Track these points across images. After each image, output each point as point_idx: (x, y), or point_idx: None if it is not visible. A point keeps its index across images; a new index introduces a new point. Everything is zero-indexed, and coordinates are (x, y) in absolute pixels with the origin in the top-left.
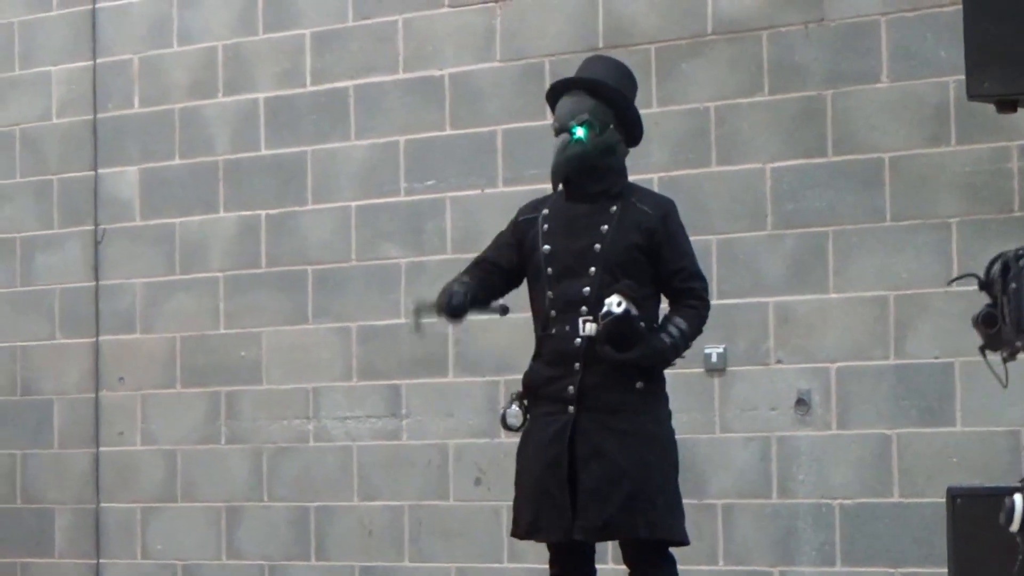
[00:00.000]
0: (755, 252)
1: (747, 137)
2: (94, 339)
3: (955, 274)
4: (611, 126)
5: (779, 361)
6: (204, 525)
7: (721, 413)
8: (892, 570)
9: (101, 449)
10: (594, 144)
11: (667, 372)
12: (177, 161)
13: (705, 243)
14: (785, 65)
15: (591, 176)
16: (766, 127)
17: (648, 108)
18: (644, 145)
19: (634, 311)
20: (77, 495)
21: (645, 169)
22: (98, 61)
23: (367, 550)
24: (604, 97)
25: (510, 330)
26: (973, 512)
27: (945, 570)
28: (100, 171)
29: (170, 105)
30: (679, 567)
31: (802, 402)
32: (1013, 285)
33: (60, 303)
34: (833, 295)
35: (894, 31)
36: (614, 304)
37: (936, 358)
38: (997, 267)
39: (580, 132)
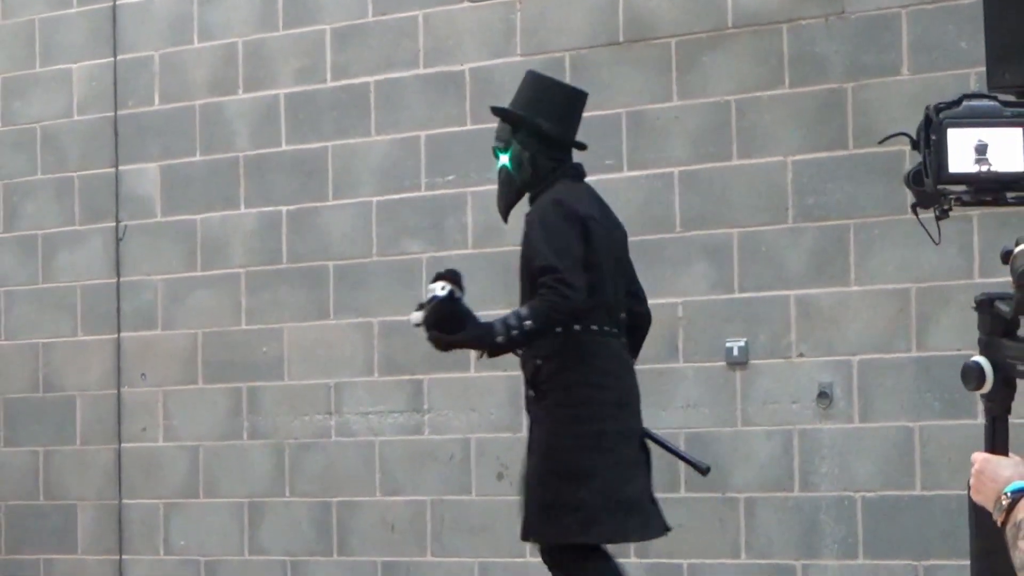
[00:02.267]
0: (776, 245)
1: (768, 130)
2: (116, 336)
3: (977, 266)
4: (515, 142)
5: (801, 354)
6: (226, 521)
7: (743, 407)
8: (915, 563)
9: (123, 445)
10: (513, 165)
11: (689, 365)
12: (198, 157)
13: (726, 236)
14: (806, 58)
15: (518, 195)
16: (787, 120)
17: (669, 102)
18: (665, 139)
19: (459, 294)
20: (100, 491)
21: (666, 163)
22: (119, 58)
23: (389, 545)
24: (507, 119)
25: None
26: None
27: (967, 563)
28: (121, 168)
29: (191, 102)
30: (704, 560)
31: (824, 395)
32: (934, 137)
33: (82, 300)
34: (855, 288)
35: (915, 23)
36: (438, 288)
37: (958, 350)
38: (921, 122)
39: (504, 159)
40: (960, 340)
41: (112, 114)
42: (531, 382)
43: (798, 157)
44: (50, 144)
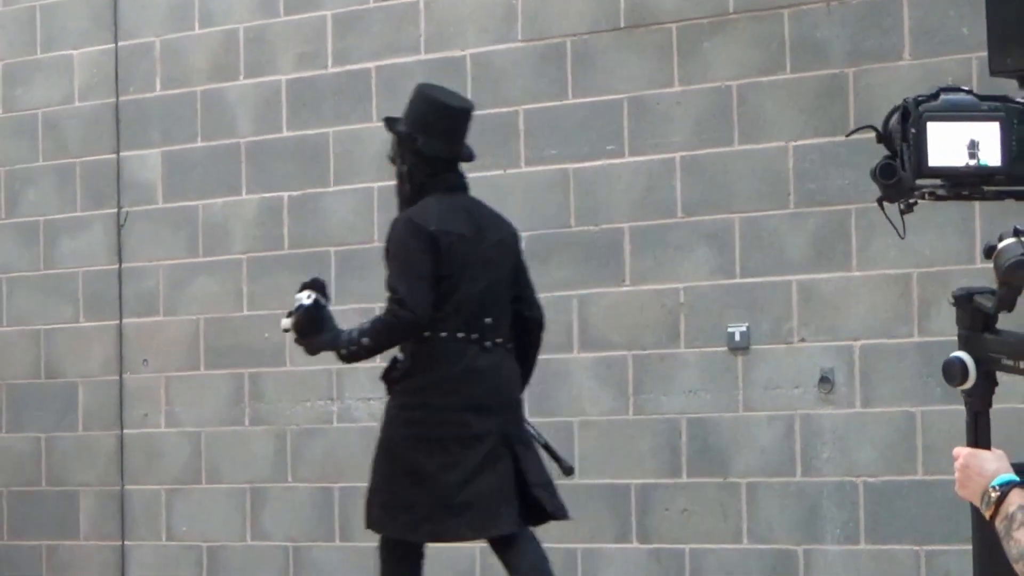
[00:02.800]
0: (778, 230)
1: (769, 115)
2: (118, 322)
3: (979, 251)
4: (397, 157)
5: (802, 339)
6: (229, 507)
7: (744, 392)
8: (916, 548)
9: (125, 431)
10: (396, 178)
11: (690, 351)
12: (199, 144)
13: (727, 222)
14: (807, 43)
15: (400, 208)
16: (788, 105)
17: (670, 87)
18: (666, 125)
19: (323, 301)
20: (102, 477)
21: (668, 149)
22: (120, 44)
23: None
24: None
25: None
26: None
27: (970, 547)
28: (122, 154)
29: (192, 88)
30: (705, 545)
31: (826, 380)
32: (913, 131)
33: (83, 286)
34: (856, 273)
35: (916, 8)
36: (304, 297)
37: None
38: (896, 116)
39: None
40: None
41: (114, 100)
42: (384, 378)
43: (800, 142)
44: (51, 130)
